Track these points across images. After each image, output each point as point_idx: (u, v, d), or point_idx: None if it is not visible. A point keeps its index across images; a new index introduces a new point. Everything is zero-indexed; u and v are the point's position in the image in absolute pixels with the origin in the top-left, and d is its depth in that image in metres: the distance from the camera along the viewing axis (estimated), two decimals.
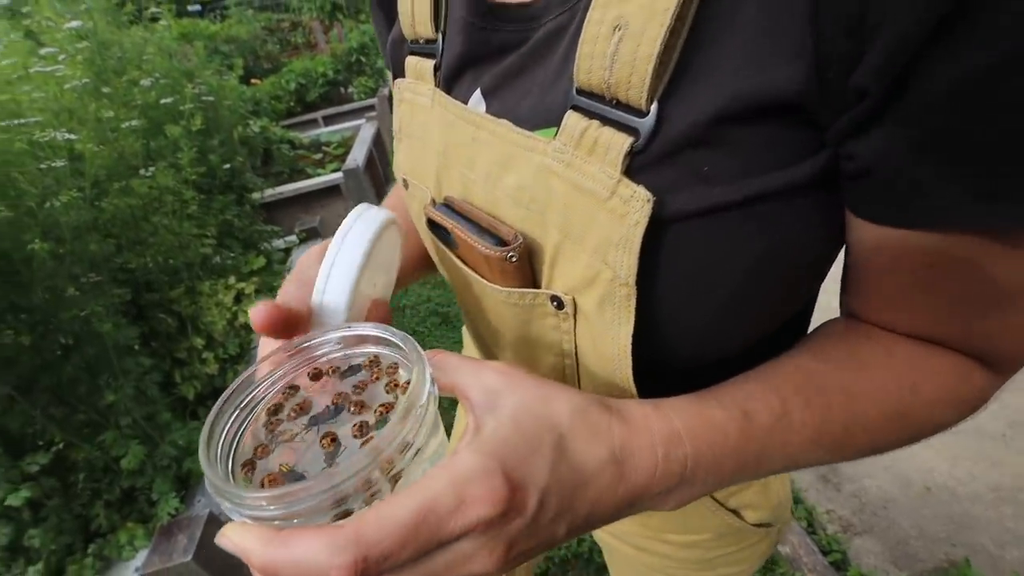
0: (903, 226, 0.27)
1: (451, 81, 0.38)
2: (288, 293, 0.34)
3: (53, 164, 1.01)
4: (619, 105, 0.28)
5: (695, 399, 0.31)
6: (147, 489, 1.38)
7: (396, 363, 0.29)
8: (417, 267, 0.54)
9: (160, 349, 1.58)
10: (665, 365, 0.33)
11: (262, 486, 0.24)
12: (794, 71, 0.23)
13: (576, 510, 0.26)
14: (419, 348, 0.27)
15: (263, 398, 0.28)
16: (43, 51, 1.45)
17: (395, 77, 0.44)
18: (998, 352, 0.32)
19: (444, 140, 0.38)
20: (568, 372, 0.37)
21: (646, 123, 0.27)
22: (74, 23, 1.55)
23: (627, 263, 0.28)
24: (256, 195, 2.38)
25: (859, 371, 0.32)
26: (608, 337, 0.32)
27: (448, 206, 0.38)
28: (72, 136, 1.06)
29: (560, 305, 0.33)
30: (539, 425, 0.26)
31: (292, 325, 0.31)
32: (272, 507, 0.21)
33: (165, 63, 1.93)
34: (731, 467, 0.30)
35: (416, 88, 0.40)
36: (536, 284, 0.35)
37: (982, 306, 0.29)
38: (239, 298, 2.02)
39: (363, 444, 0.25)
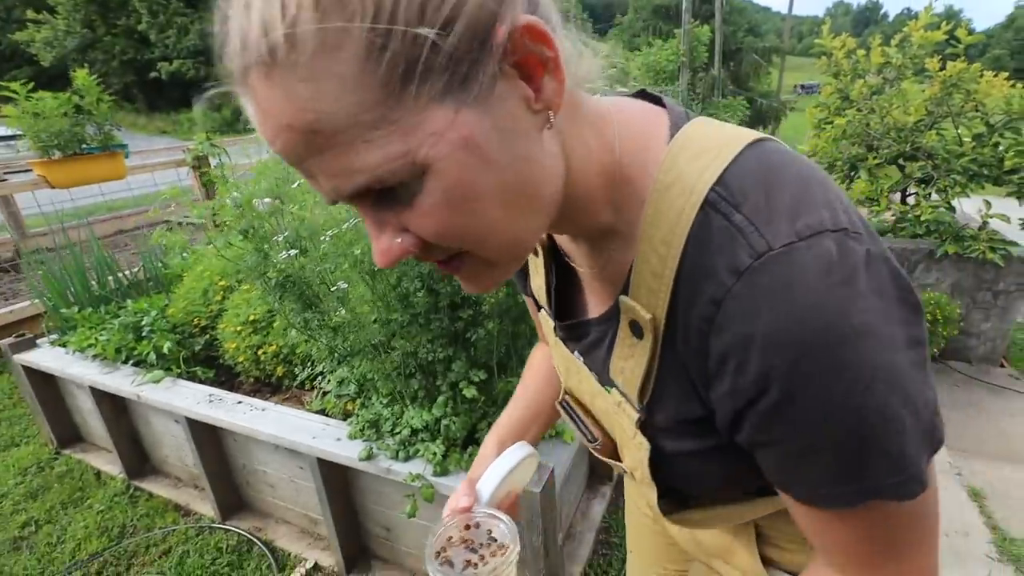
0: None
1: (564, 340, 0.64)
2: (464, 486, 0.66)
3: None
4: (630, 399, 0.53)
5: None
6: None
7: (500, 540, 0.60)
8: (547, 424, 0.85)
9: None
10: (688, 505, 0.61)
11: (441, 564, 0.58)
12: (701, 408, 0.48)
13: None
14: (517, 533, 0.59)
15: (451, 527, 0.62)
16: None
17: (538, 308, 0.72)
18: None
19: (565, 365, 0.66)
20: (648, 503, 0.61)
21: (642, 412, 0.53)
22: None
23: (646, 472, 0.55)
24: None
25: None
26: (649, 495, 0.59)
27: (567, 404, 0.68)
28: None
29: (626, 472, 0.61)
30: None
31: (468, 509, 0.63)
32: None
33: None
34: None
35: (548, 327, 0.67)
36: (619, 457, 0.61)
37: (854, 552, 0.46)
38: None
39: (474, 572, 0.56)
